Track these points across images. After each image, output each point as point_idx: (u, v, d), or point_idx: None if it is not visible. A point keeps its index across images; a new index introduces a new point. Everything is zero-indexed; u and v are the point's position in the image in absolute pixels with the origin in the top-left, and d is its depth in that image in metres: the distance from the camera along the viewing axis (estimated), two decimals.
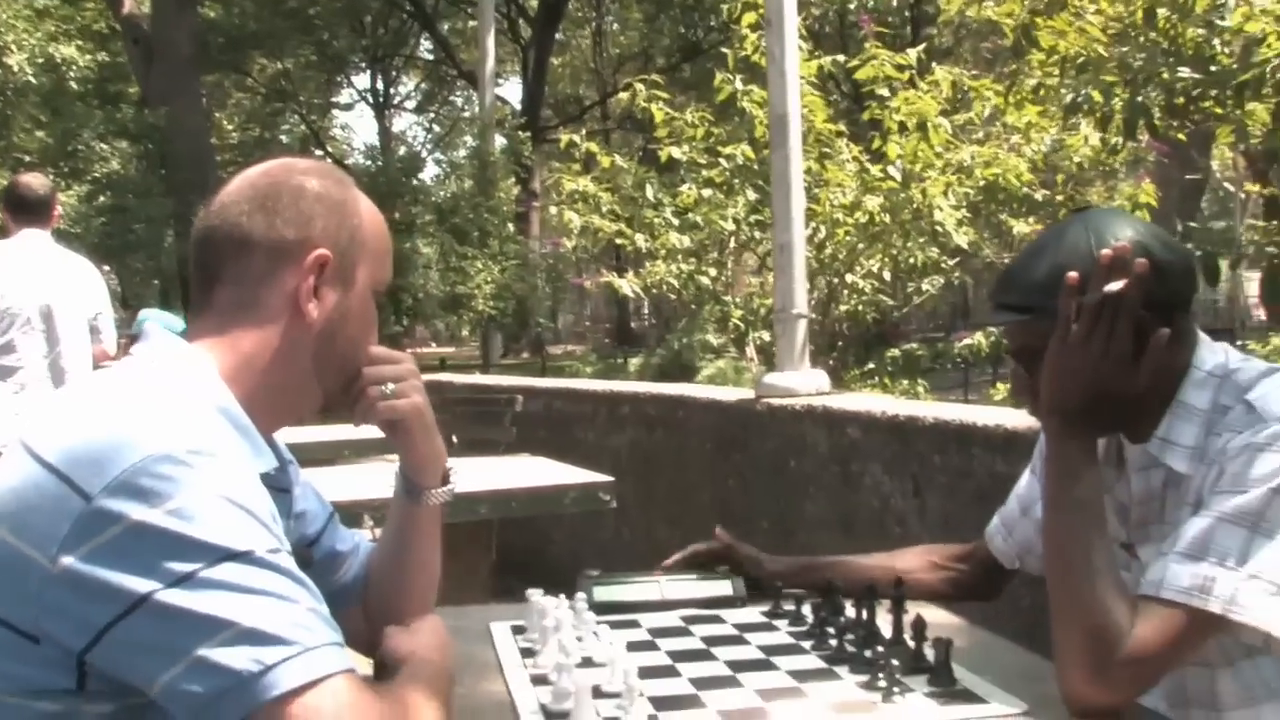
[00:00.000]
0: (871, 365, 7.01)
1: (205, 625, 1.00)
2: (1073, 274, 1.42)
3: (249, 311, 1.26)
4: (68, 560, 1.01)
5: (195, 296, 1.29)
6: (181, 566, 1.01)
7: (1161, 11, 4.24)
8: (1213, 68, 4.03)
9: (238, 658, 1.00)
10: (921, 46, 6.62)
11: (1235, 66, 3.87)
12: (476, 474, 3.78)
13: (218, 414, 1.18)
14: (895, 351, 7.08)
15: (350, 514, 2.63)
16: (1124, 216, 1.54)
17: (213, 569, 1.02)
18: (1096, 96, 4.41)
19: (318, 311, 1.28)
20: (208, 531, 1.03)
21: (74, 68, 14.70)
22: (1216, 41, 4.04)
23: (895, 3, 19.16)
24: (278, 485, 1.31)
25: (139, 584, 1.00)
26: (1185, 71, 4.05)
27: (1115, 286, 1.40)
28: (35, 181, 4.72)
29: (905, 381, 6.86)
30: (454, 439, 6.23)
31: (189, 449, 1.06)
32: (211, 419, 1.16)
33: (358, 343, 1.35)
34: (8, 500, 1.06)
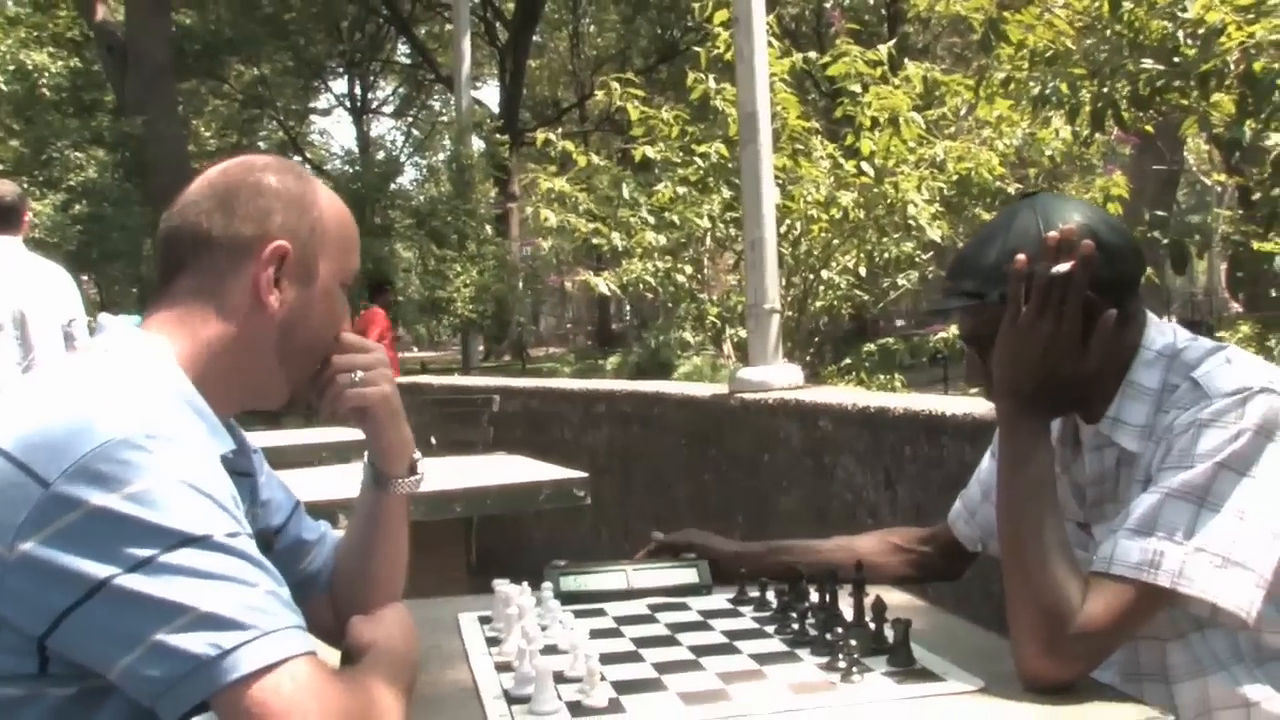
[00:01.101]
0: (849, 360, 7.03)
1: (163, 610, 1.02)
2: (1021, 256, 1.45)
3: (209, 302, 1.28)
4: (26, 546, 1.02)
5: (156, 289, 1.31)
6: (139, 551, 1.02)
7: (1126, 4, 4.29)
8: (1176, 59, 4.07)
9: (196, 642, 1.01)
10: (892, 42, 6.64)
11: (1197, 57, 3.91)
12: (452, 473, 3.78)
13: (175, 398, 1.19)
14: (871, 346, 7.10)
15: (327, 513, 2.63)
16: (1071, 201, 1.57)
17: (171, 554, 1.03)
18: (1064, 89, 4.45)
19: (279, 303, 1.30)
20: (166, 516, 1.04)
21: (47, 75, 14.60)
22: (1180, 33, 4.08)
23: (872, 1, 19.21)
24: (239, 469, 1.32)
25: (97, 569, 1.02)
26: (1149, 63, 4.09)
27: (1063, 268, 1.43)
28: (4, 189, 4.69)
29: (882, 376, 6.88)
30: (433, 440, 6.24)
31: (147, 434, 1.07)
32: (169, 403, 1.17)
33: (323, 333, 1.36)
34: None
